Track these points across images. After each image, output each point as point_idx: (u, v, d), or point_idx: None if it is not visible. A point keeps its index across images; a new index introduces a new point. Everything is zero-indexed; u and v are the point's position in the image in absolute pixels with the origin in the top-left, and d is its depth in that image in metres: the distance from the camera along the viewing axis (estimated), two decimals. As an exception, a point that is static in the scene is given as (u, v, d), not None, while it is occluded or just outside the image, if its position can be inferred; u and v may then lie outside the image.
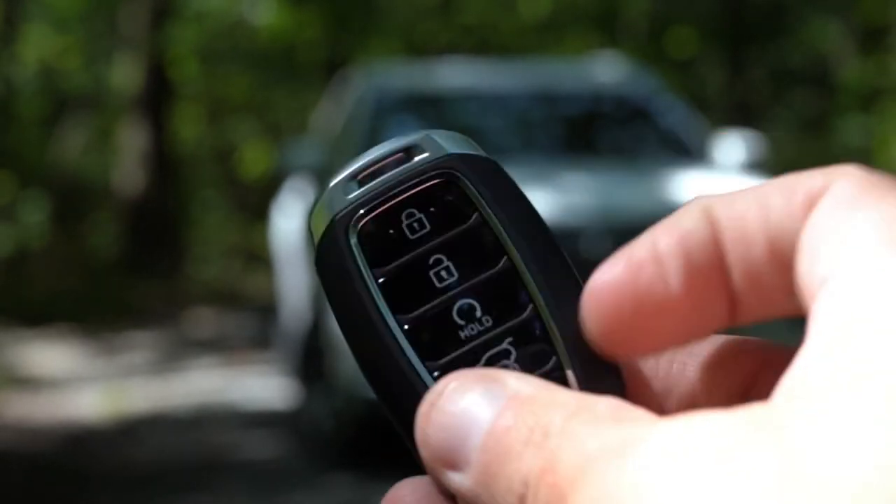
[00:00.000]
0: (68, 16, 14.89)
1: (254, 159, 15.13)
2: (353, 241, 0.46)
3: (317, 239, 0.47)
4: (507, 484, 0.38)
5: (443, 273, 0.46)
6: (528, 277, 0.46)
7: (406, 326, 0.45)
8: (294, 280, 7.30)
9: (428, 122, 7.08)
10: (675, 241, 0.41)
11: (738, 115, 12.19)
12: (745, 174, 6.52)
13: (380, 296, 0.46)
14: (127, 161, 13.60)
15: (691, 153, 6.63)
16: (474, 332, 0.46)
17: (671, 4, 14.42)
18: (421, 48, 13.89)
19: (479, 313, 0.46)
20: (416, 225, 0.47)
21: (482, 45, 13.76)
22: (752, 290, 0.41)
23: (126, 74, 13.73)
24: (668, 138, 6.80)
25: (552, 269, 0.46)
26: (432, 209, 0.47)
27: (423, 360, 0.45)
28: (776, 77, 14.04)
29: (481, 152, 0.48)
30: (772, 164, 6.97)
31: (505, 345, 0.45)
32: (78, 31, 15.05)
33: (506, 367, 0.45)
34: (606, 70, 7.46)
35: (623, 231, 4.30)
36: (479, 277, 0.46)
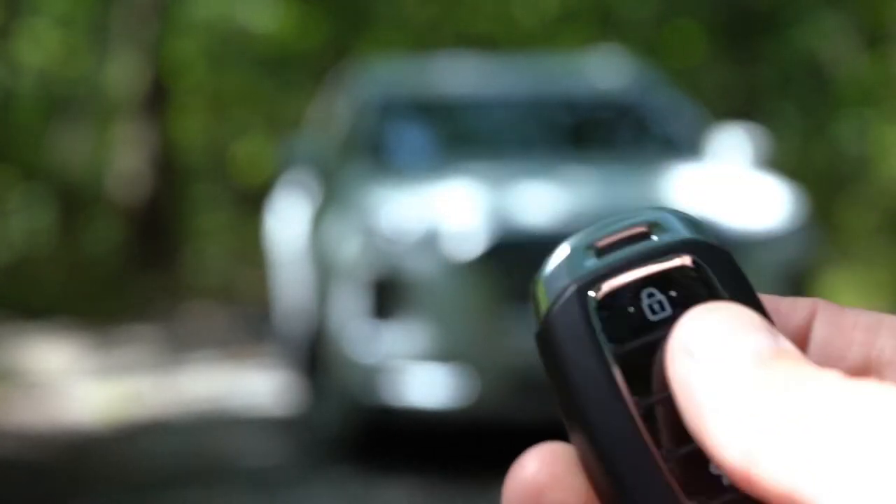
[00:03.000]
0: (68, 17, 14.87)
1: (253, 157, 15.12)
2: (593, 309, 0.45)
3: (548, 302, 0.45)
4: None
5: None
6: None
7: (644, 411, 0.44)
8: (292, 278, 7.29)
9: (431, 122, 7.09)
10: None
11: (739, 111, 12.19)
12: (747, 169, 6.52)
13: (620, 374, 0.44)
14: (127, 160, 13.60)
15: (693, 149, 6.64)
16: None
17: (672, 1, 14.42)
18: (420, 43, 13.88)
19: None
20: (656, 306, 0.45)
21: (483, 39, 13.75)
22: None
23: (126, 74, 13.73)
24: (670, 135, 6.80)
25: None
26: (672, 293, 0.45)
27: (659, 448, 0.43)
28: (777, 73, 14.04)
29: (718, 240, 0.47)
30: (773, 158, 6.96)
31: None
32: (77, 31, 15.04)
33: None
34: (607, 66, 7.46)
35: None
36: None
